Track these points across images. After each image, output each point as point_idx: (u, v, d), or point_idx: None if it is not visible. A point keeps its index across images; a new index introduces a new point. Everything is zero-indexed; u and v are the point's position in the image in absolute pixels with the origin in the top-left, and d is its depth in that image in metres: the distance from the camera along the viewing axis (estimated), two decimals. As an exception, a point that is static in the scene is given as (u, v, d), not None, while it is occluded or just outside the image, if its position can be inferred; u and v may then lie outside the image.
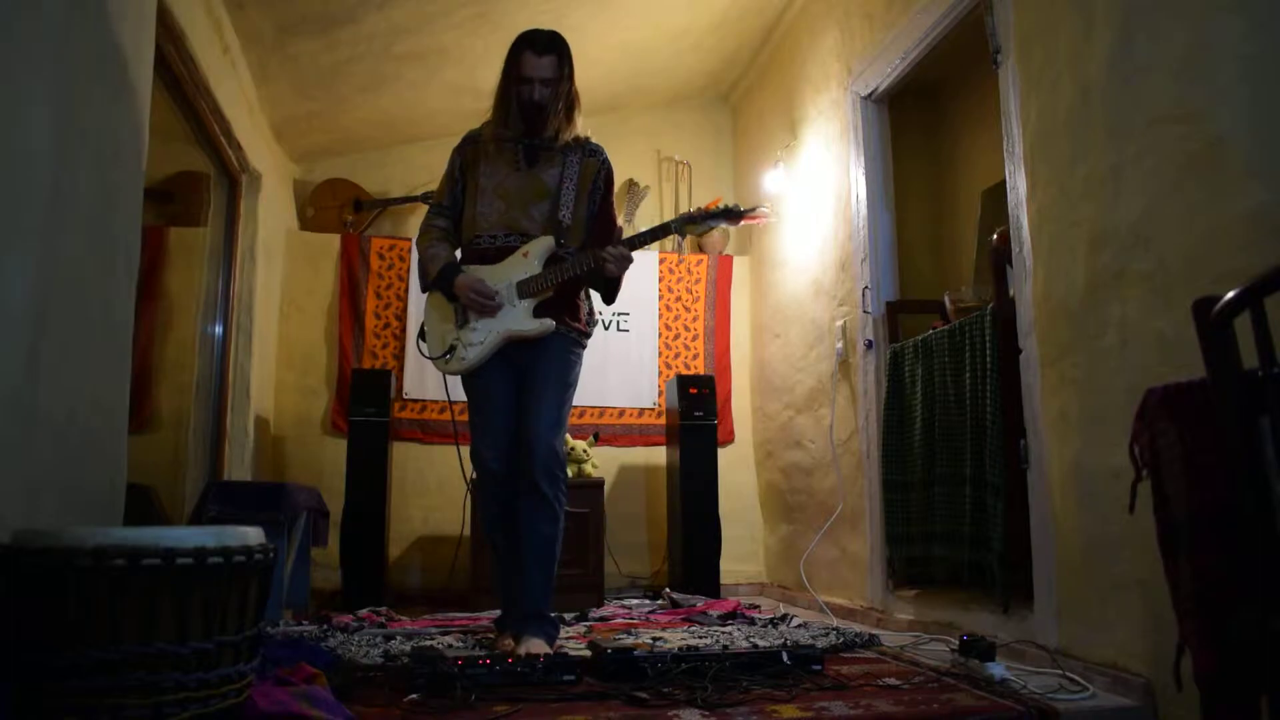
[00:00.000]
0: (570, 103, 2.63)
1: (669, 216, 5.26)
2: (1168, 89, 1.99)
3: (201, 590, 1.36)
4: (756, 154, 4.96)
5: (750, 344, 5.06)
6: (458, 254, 2.71)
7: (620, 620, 3.42)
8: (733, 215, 2.57)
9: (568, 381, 2.63)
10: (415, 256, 4.74)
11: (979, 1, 2.81)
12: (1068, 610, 2.29)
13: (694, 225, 2.59)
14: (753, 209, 2.62)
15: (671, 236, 5.21)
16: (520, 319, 2.56)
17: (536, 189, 2.62)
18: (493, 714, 1.76)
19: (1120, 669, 2.05)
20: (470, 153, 2.71)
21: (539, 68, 2.56)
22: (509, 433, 2.59)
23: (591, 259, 2.53)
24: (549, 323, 2.56)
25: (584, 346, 2.71)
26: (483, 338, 2.57)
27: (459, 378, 2.68)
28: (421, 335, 2.72)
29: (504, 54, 2.63)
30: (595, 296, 2.76)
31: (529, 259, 2.57)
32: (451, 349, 2.60)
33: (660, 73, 4.92)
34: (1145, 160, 2.05)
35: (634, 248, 2.58)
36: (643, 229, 2.67)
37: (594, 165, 2.68)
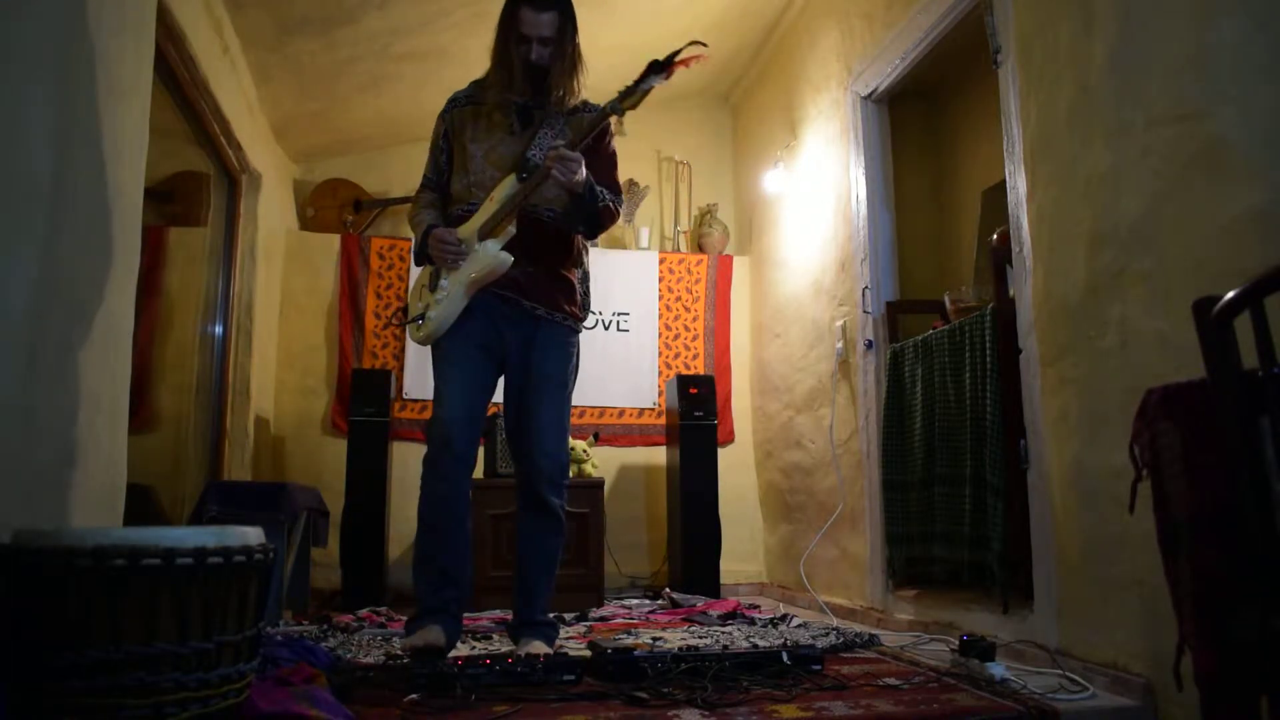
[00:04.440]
0: (573, 64, 2.45)
1: (669, 217, 5.29)
2: (1168, 89, 1.99)
3: (201, 590, 1.36)
4: (756, 154, 4.96)
5: (750, 344, 5.06)
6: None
7: (620, 620, 3.42)
8: (658, 68, 2.31)
9: (567, 382, 2.51)
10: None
11: (979, 1, 2.81)
12: (1068, 610, 2.29)
13: (630, 98, 2.34)
14: (677, 51, 2.32)
15: (675, 234, 5.22)
16: (480, 260, 2.38)
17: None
18: (493, 714, 1.76)
19: (1120, 669, 2.05)
20: (456, 117, 2.54)
21: (538, 25, 2.36)
22: (474, 411, 2.43)
23: (537, 174, 2.31)
24: (506, 257, 2.36)
25: (579, 333, 2.56)
26: (446, 293, 2.41)
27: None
28: (404, 309, 2.57)
29: None
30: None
31: (493, 202, 2.40)
32: (421, 315, 2.45)
33: (660, 73, 4.92)
34: (1145, 160, 2.05)
35: (575, 146, 2.32)
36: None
37: (585, 119, 2.47)
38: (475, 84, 2.57)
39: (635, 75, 2.37)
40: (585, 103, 2.56)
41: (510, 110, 2.47)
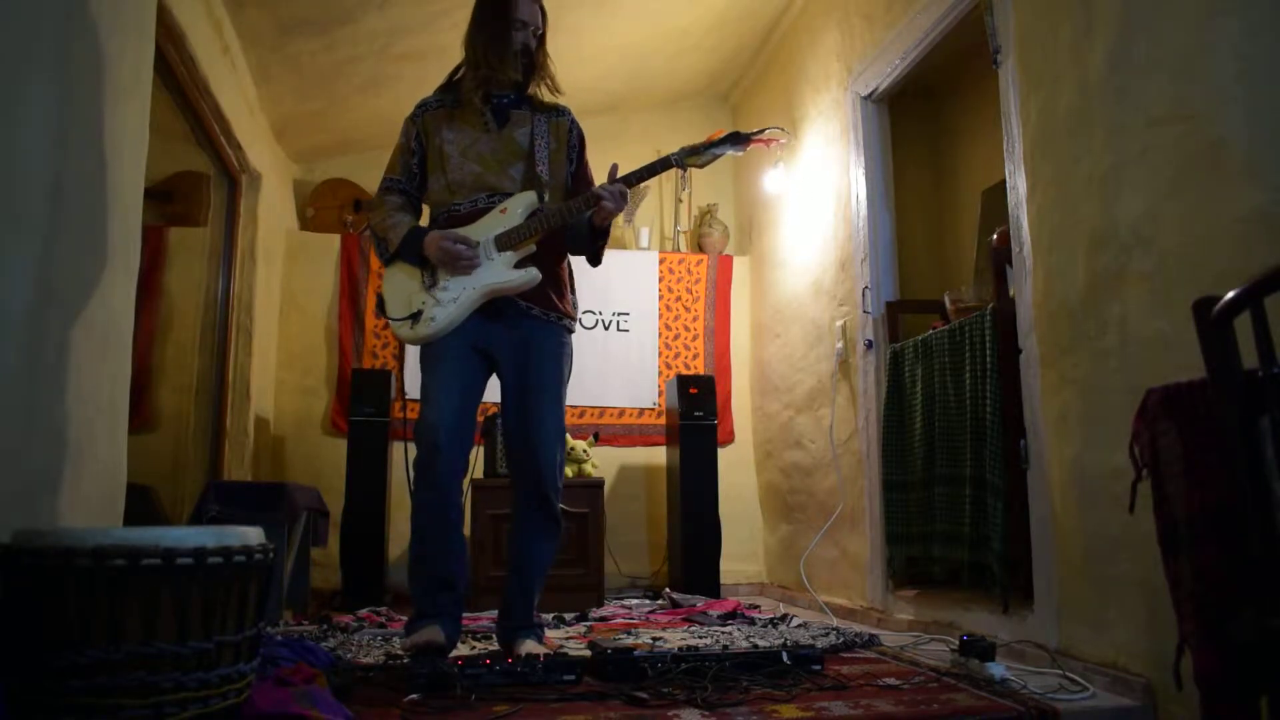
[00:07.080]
0: (544, 60, 2.53)
1: (669, 217, 5.29)
2: (1168, 89, 1.99)
3: (201, 590, 1.35)
4: (756, 154, 4.95)
5: (750, 344, 5.06)
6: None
7: (620, 620, 3.42)
8: (738, 139, 2.38)
9: (562, 382, 2.51)
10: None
11: (979, 1, 2.81)
12: (1068, 610, 2.29)
13: (696, 156, 2.41)
14: (760, 131, 2.43)
15: (675, 234, 5.22)
16: (501, 271, 2.36)
17: (511, 149, 2.47)
18: (493, 714, 1.76)
19: (1120, 669, 2.05)
20: (428, 120, 2.54)
21: (532, 14, 2.46)
22: (463, 412, 2.40)
23: (584, 201, 2.35)
24: (534, 272, 2.37)
25: (572, 332, 2.55)
26: (455, 295, 2.35)
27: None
28: (380, 304, 2.48)
29: None
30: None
31: (508, 214, 2.39)
32: (417, 313, 2.37)
33: (660, 73, 4.92)
34: (1145, 160, 2.05)
35: (631, 184, 2.39)
36: (638, 191, 2.52)
37: (565, 125, 2.56)
38: (442, 89, 2.59)
39: (707, 137, 2.44)
40: (557, 105, 2.59)
41: (482, 107, 2.49)
